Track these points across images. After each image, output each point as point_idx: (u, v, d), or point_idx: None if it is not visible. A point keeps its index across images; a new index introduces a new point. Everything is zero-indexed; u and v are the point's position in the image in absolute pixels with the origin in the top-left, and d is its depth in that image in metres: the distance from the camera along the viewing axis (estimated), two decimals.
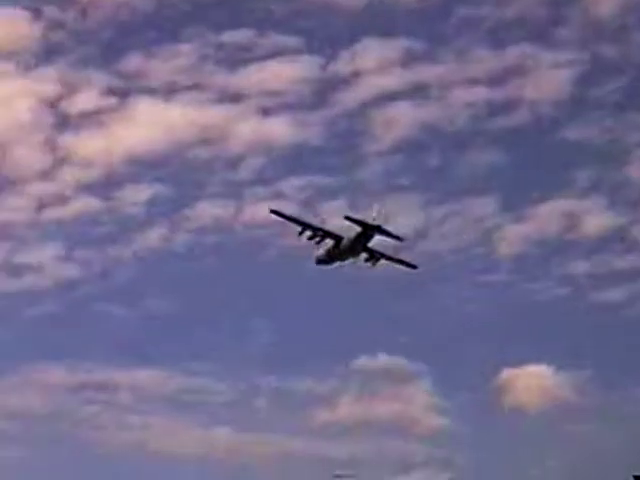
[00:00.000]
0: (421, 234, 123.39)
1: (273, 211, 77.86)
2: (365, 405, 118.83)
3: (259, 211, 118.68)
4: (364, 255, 78.23)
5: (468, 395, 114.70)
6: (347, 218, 75.91)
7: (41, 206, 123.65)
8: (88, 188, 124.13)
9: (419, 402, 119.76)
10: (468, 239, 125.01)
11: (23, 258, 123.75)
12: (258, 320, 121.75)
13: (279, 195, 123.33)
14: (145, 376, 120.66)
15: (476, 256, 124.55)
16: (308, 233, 77.46)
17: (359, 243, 76.47)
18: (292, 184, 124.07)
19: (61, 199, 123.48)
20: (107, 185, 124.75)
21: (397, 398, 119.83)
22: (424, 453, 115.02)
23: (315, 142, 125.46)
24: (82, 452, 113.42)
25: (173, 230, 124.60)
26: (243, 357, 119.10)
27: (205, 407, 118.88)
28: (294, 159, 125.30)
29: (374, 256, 77.77)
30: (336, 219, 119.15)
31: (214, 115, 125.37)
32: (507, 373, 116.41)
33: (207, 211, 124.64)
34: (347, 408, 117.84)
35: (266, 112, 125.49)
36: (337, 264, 79.60)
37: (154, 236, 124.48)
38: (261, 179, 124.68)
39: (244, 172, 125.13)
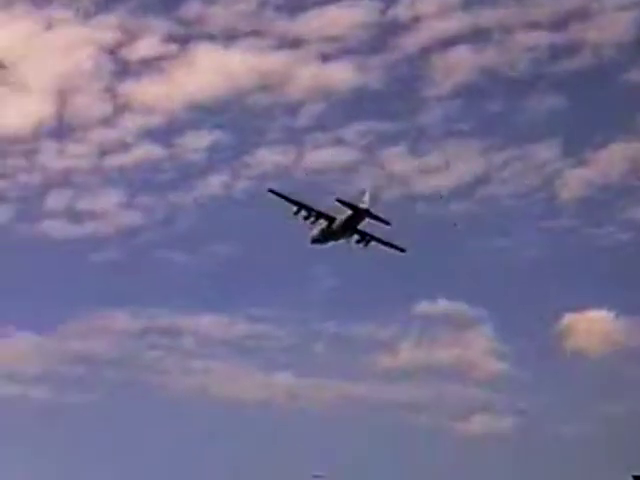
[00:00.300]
0: (482, 180, 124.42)
1: (271, 190, 79.83)
2: (426, 350, 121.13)
3: (320, 157, 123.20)
4: (356, 237, 79.29)
5: (528, 340, 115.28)
6: (338, 201, 77.54)
7: (103, 153, 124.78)
8: (149, 135, 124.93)
9: (479, 347, 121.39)
10: (529, 184, 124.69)
11: (85, 205, 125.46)
12: (319, 266, 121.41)
13: (339, 141, 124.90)
14: (208, 322, 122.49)
15: (538, 201, 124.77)
16: (303, 213, 79.19)
17: (350, 225, 78.70)
18: (352, 130, 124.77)
19: (123, 146, 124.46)
20: (168, 132, 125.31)
21: (457, 343, 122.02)
22: (484, 398, 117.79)
23: (375, 87, 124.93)
24: (146, 396, 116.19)
25: (234, 177, 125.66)
26: (304, 303, 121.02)
27: (266, 352, 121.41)
28: (354, 105, 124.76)
29: (365, 238, 79.05)
30: (398, 165, 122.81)
31: (274, 61, 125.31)
32: (568, 318, 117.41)
33: (267, 157, 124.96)
34: (408, 353, 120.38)
35: (326, 57, 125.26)
36: (331, 244, 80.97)
37: (215, 183, 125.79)
38: (321, 125, 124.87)
39: (304, 118, 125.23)
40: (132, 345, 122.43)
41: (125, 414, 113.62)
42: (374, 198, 78.24)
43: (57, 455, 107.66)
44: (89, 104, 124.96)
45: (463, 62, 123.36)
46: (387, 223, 77.99)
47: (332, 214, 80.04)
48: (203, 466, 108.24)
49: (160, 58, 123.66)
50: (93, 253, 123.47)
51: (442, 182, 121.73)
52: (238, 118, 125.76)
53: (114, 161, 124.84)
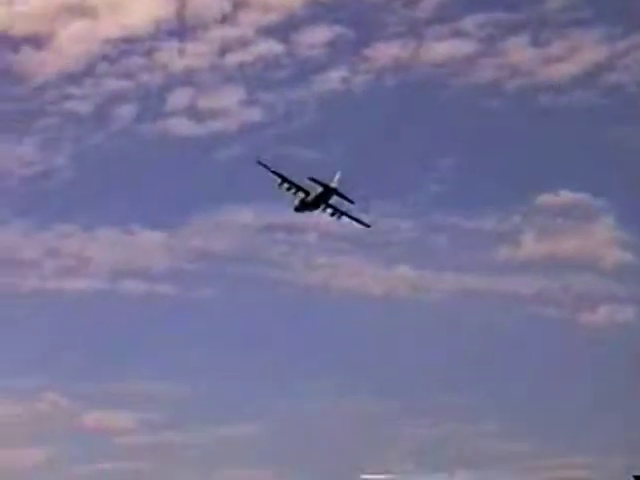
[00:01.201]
0: (604, 68, 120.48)
1: (259, 162, 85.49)
2: (548, 242, 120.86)
3: (439, 49, 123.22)
4: (329, 210, 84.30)
5: None
6: (310, 179, 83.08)
7: (223, 51, 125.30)
8: (268, 31, 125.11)
9: (602, 238, 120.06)
10: None
11: (207, 103, 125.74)
12: (441, 158, 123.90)
13: (459, 33, 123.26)
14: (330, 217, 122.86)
15: None
16: (286, 185, 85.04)
17: (321, 200, 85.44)
18: (472, 21, 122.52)
19: (242, 43, 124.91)
20: (287, 28, 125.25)
21: (580, 234, 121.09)
22: (608, 288, 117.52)
23: None
24: (270, 292, 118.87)
25: (352, 71, 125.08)
26: (426, 196, 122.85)
27: (388, 246, 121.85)
28: None
29: (336, 212, 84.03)
30: (519, 55, 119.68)
31: None
32: None
33: (386, 51, 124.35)
34: (530, 245, 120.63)
35: None
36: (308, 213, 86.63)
37: (334, 78, 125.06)
38: (440, 17, 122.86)
39: (423, 10, 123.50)
40: (255, 241, 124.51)
41: (249, 309, 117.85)
42: (343, 179, 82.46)
43: (182, 348, 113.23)
44: (208, 2, 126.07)
45: None
46: (351, 202, 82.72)
47: (308, 189, 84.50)
48: (327, 360, 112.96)
49: None
50: (216, 150, 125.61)
51: (564, 71, 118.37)
52: (356, 12, 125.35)
53: (234, 59, 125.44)
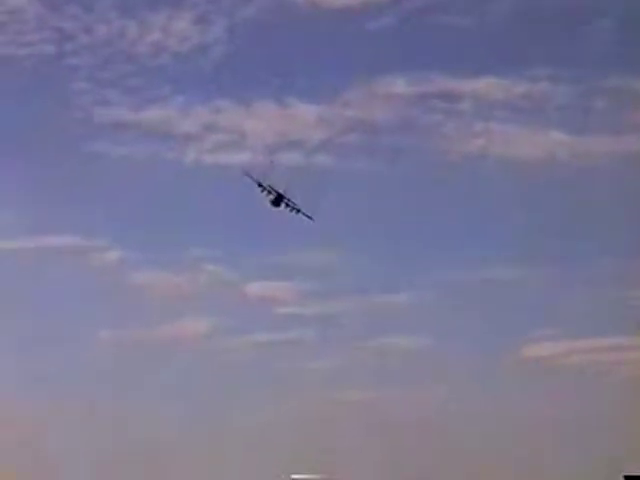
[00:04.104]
0: None
1: (246, 174, 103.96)
2: None
3: None
4: (288, 207, 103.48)
5: None
6: (269, 187, 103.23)
7: None
8: None
9: None
10: None
11: None
12: (597, 21, 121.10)
13: None
14: (487, 84, 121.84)
15: None
16: (261, 188, 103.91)
17: (279, 200, 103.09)
18: None
19: None
20: None
21: None
22: None
23: None
24: (426, 162, 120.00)
25: None
26: (582, 58, 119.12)
27: (545, 112, 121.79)
28: None
29: (293, 209, 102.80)
30: None
31: None
32: None
33: None
34: None
35: None
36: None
37: None
38: None
39: None
40: (411, 111, 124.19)
41: (404, 179, 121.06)
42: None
43: (340, 220, 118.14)
44: None
45: None
46: (294, 203, 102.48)
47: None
48: (482, 229, 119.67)
49: None
50: (368, 20, 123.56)
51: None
52: None
53: None
